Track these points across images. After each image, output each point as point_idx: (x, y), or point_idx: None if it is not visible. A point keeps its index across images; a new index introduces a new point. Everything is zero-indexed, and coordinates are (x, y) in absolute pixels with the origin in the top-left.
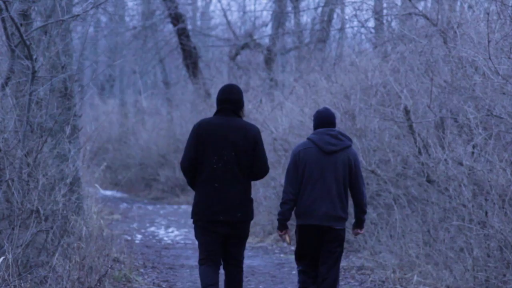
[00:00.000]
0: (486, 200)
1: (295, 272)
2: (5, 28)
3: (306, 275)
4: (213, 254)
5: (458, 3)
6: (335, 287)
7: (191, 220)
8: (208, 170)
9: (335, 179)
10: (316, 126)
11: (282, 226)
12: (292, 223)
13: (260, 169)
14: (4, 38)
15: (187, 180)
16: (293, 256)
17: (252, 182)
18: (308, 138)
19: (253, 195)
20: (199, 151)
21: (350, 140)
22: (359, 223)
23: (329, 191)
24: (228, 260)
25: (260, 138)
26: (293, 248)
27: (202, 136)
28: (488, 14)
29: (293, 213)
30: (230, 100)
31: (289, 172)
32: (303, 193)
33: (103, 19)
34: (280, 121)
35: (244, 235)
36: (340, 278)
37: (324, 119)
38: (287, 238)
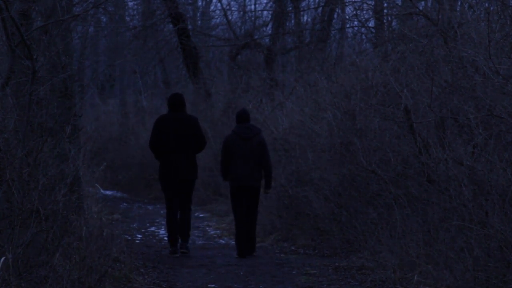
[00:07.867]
0: (486, 200)
1: (295, 272)
2: (5, 28)
3: (239, 224)
4: (173, 202)
5: (459, 3)
6: (255, 224)
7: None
8: (168, 146)
9: (252, 155)
10: (237, 121)
11: (225, 179)
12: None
13: (199, 144)
14: (4, 38)
15: (154, 155)
16: (293, 256)
17: None
18: (232, 131)
19: None
20: (161, 135)
21: (259, 129)
22: (268, 184)
23: (248, 163)
24: (182, 205)
25: (198, 123)
26: (293, 248)
27: (162, 125)
28: (488, 14)
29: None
30: (177, 102)
31: (222, 153)
32: (232, 166)
33: (103, 19)
34: (281, 121)
35: (191, 189)
36: (340, 278)
37: (242, 117)
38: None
